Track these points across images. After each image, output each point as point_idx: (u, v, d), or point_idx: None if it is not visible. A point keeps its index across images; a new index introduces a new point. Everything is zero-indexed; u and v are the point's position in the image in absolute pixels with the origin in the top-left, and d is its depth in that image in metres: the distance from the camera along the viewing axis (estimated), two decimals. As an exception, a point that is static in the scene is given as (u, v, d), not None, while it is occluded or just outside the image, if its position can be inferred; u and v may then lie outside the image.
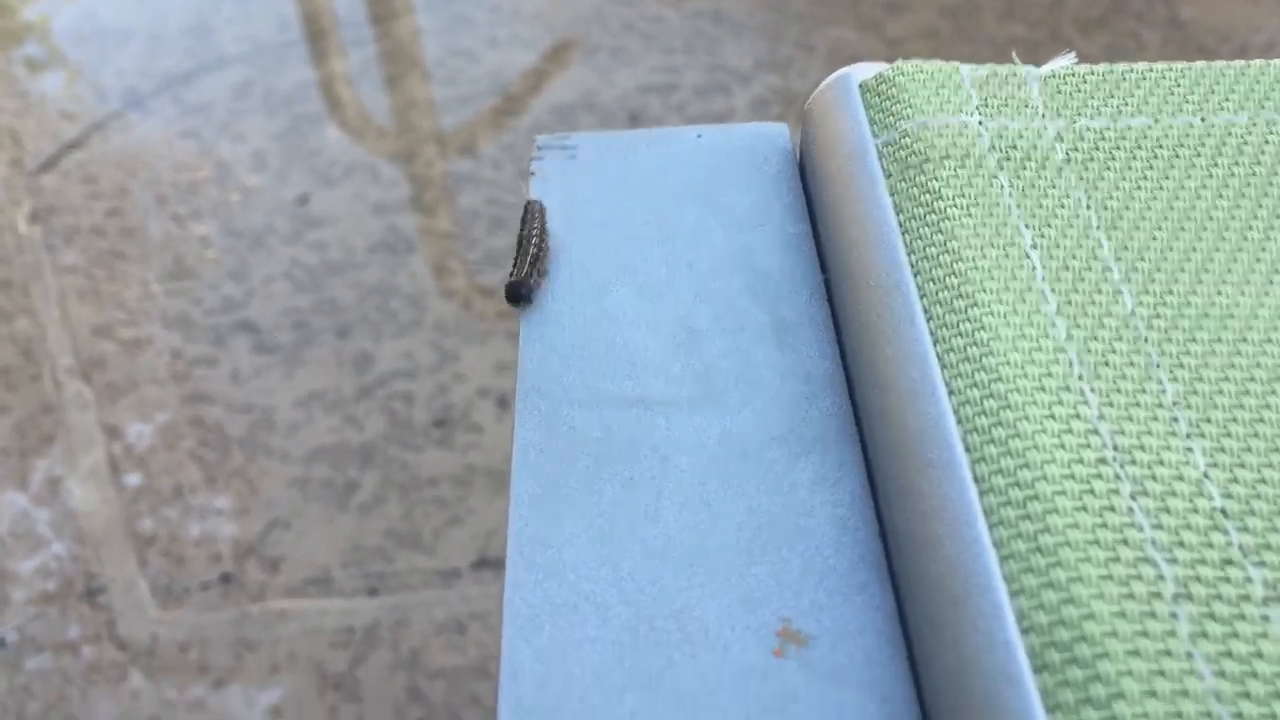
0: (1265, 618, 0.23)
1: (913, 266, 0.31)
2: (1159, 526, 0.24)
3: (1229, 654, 0.22)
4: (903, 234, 0.32)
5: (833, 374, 0.32)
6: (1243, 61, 0.36)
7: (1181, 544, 0.24)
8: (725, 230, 0.37)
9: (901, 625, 0.27)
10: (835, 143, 0.36)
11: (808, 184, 0.38)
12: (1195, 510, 0.25)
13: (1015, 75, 0.36)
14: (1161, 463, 0.26)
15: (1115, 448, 0.26)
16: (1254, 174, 0.33)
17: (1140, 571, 0.24)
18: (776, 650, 0.26)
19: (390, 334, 1.21)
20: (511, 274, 0.35)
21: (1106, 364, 0.28)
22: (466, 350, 1.19)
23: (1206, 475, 0.25)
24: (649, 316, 0.34)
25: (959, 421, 0.27)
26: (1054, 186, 0.32)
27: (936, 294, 0.30)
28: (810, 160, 0.37)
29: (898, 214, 0.33)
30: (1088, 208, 0.32)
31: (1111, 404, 0.27)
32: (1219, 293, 0.30)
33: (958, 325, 0.29)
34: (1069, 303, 0.29)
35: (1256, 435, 0.26)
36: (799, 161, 0.39)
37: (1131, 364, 0.28)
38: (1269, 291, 0.29)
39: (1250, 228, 0.31)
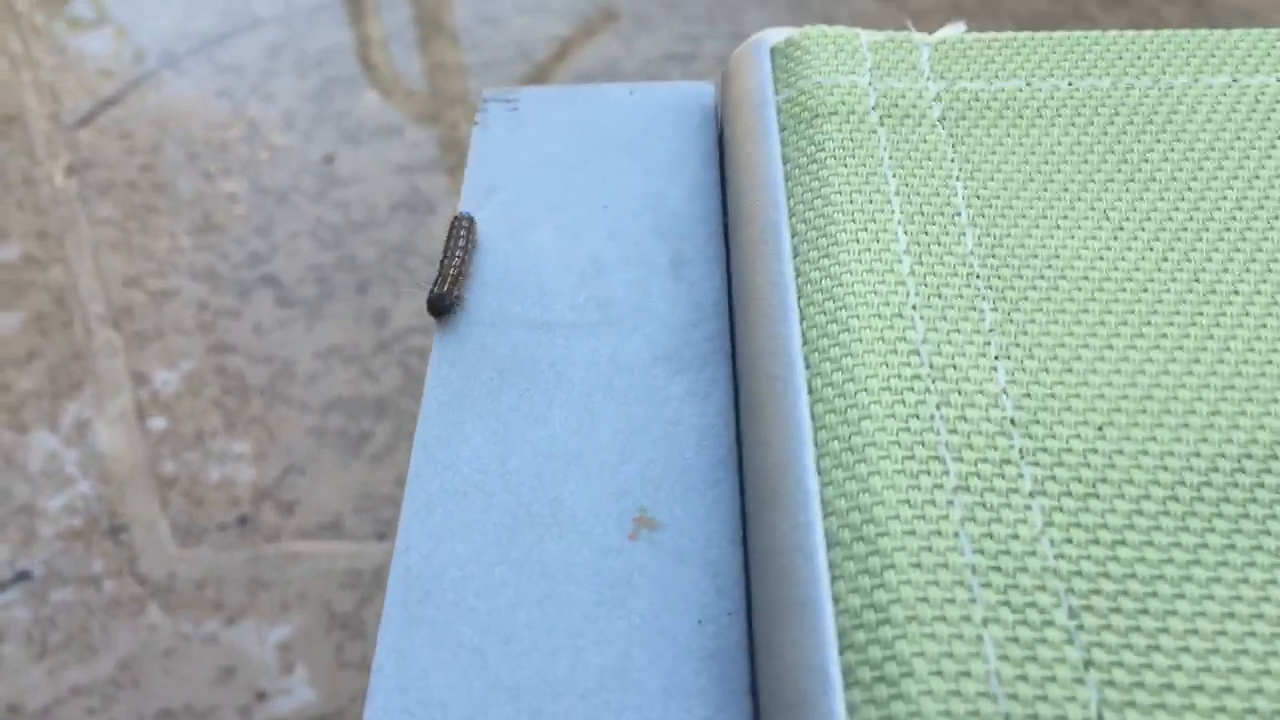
0: (1028, 507, 0.27)
1: (790, 209, 0.35)
2: (954, 431, 0.28)
3: (990, 535, 0.26)
4: (786, 181, 0.36)
5: (718, 304, 0.36)
6: (1114, 31, 0.39)
7: (970, 446, 0.28)
8: (643, 176, 0.41)
9: (742, 519, 0.31)
10: (743, 99, 0.39)
11: (722, 138, 0.42)
12: (988, 419, 0.29)
13: (909, 41, 0.40)
14: (968, 379, 0.29)
15: (931, 366, 0.30)
16: (1105, 133, 0.36)
17: (930, 468, 0.27)
18: (631, 534, 0.31)
19: (409, 291, 1.26)
20: (433, 288, 0.37)
21: (939, 295, 0.32)
22: (478, 307, 1.22)
23: (1005, 391, 0.29)
24: (563, 251, 0.38)
25: (805, 342, 0.31)
26: (925, 140, 0.36)
27: (805, 233, 0.34)
28: (724, 115, 0.41)
29: (785, 163, 0.36)
30: (951, 160, 0.36)
31: (936, 329, 0.31)
32: (1051, 237, 0.33)
33: (817, 260, 0.33)
34: (917, 242, 0.33)
35: (1055, 359, 0.30)
36: (718, 118, 0.43)
37: (961, 296, 0.32)
38: (1095, 236, 0.33)
39: (1092, 180, 0.35)
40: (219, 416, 1.15)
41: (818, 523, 0.27)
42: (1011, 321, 0.31)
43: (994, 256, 0.33)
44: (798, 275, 0.33)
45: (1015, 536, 0.26)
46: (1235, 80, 0.38)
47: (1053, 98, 0.38)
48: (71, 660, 0.96)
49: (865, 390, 0.29)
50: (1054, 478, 0.27)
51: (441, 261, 0.38)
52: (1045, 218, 0.34)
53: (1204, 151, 0.36)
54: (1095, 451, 0.28)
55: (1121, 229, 0.33)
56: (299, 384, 1.17)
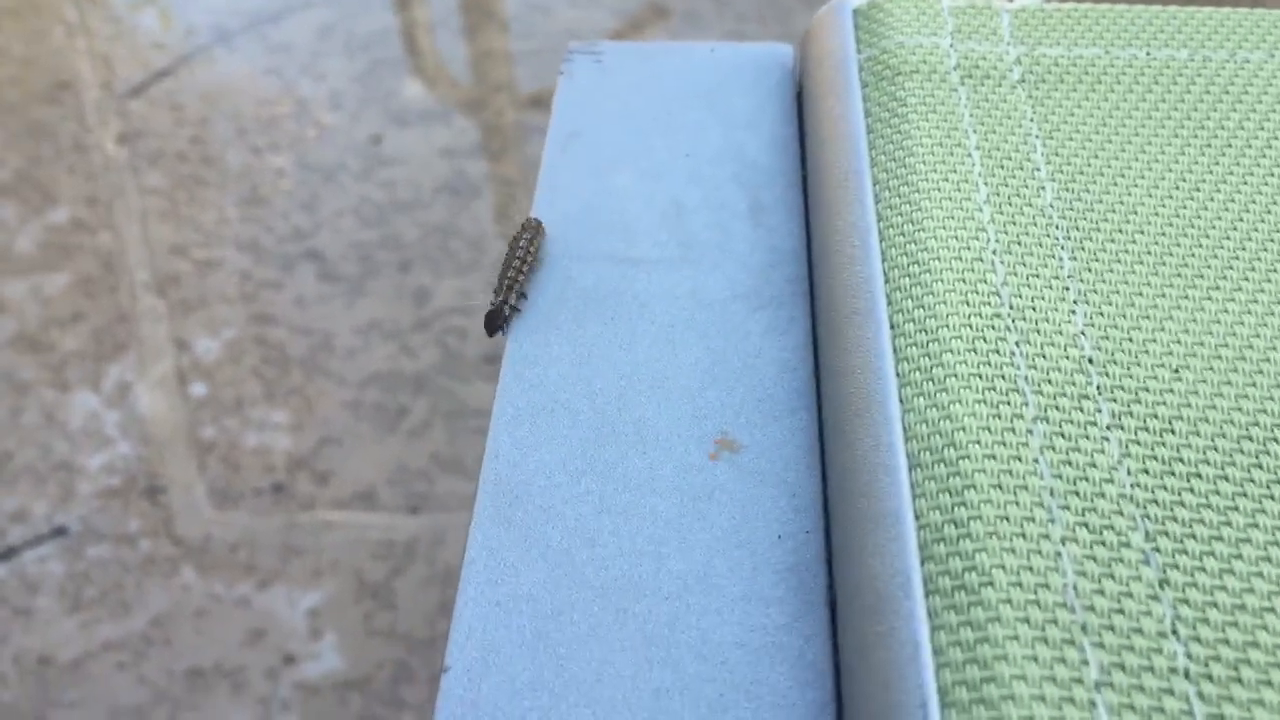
0: (1105, 439, 0.28)
1: (871, 159, 0.36)
2: (1033, 367, 0.29)
3: (1068, 462, 0.27)
4: (868, 134, 0.37)
5: (796, 250, 0.37)
6: (1192, 6, 0.40)
7: (1049, 381, 0.29)
8: (723, 128, 0.42)
9: (820, 446, 0.32)
10: (825, 57, 0.41)
11: (801, 95, 0.43)
12: (1067, 357, 0.29)
13: (990, 8, 0.41)
14: (1047, 320, 0.30)
15: (1011, 307, 0.31)
16: (1183, 101, 0.37)
17: (1009, 399, 0.28)
18: (713, 454, 0.32)
19: (449, 272, 1.27)
20: (493, 300, 0.36)
21: (1019, 243, 0.33)
22: (519, 289, 1.23)
23: (1083, 332, 0.30)
24: (646, 193, 0.39)
25: (886, 280, 0.32)
26: (1005, 100, 0.37)
27: (887, 181, 0.35)
28: (804, 73, 0.42)
29: (866, 118, 0.37)
30: (1031, 119, 0.37)
31: (1015, 274, 0.32)
32: (1128, 194, 0.34)
33: (899, 206, 0.34)
34: (997, 193, 0.34)
35: (1132, 305, 0.31)
36: (798, 77, 0.44)
37: (1040, 244, 0.33)
38: (1172, 195, 0.34)
39: (1169, 145, 0.36)
40: (258, 385, 1.16)
41: (900, 443, 0.28)
42: (1090, 269, 0.32)
43: (1072, 209, 0.34)
44: (879, 220, 0.34)
45: (1093, 465, 0.27)
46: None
47: (1131, 65, 0.39)
48: (104, 615, 0.97)
49: (946, 326, 0.30)
50: (1130, 413, 0.28)
51: (502, 271, 0.37)
52: (1123, 176, 0.35)
53: (1279, 122, 0.37)
54: (1171, 391, 0.29)
55: (1198, 189, 0.34)
56: (338, 357, 1.18)
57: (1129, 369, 0.29)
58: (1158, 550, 0.26)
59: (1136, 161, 0.35)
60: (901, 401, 0.29)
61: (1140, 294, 0.31)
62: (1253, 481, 0.27)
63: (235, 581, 1.00)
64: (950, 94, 0.37)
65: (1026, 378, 0.29)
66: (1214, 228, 0.33)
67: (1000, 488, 0.26)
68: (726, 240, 0.38)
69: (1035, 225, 0.33)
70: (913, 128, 0.36)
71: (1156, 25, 0.40)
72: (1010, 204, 0.34)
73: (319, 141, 1.44)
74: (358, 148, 1.42)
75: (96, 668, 0.93)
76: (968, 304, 0.31)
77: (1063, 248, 0.33)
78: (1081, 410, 0.28)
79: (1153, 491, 0.27)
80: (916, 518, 0.27)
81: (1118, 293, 0.31)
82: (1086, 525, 0.26)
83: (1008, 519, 0.26)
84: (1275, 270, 0.32)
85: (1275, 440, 0.28)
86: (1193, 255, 0.33)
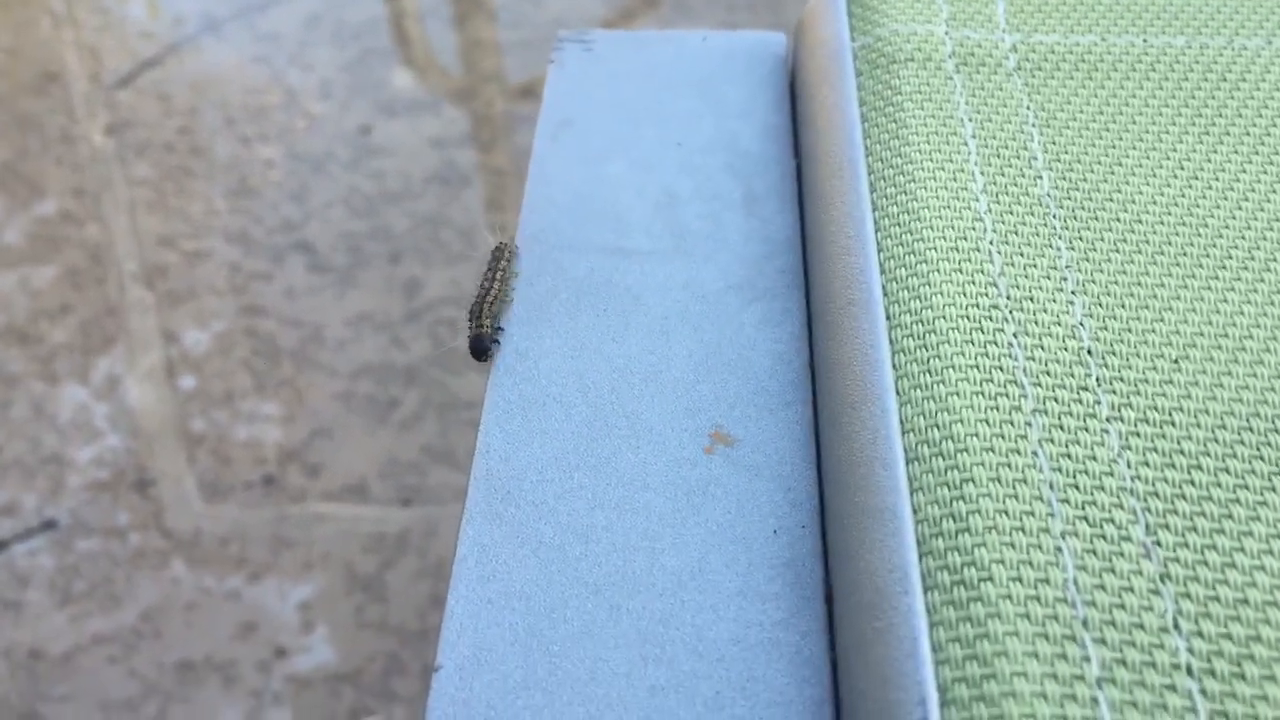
0: (1105, 431, 0.27)
1: (866, 149, 0.35)
2: (1032, 358, 0.29)
3: (1067, 455, 0.27)
4: (862, 123, 0.36)
5: (790, 239, 0.37)
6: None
7: (1047, 372, 0.29)
8: (715, 117, 0.41)
9: (816, 439, 0.32)
10: (819, 45, 0.40)
11: (794, 84, 0.42)
12: (1065, 348, 0.29)
13: (985, -4, 0.40)
14: (1045, 311, 0.30)
15: (1008, 297, 0.30)
16: (1180, 89, 0.37)
17: (1007, 390, 0.28)
18: (707, 448, 0.31)
19: (440, 262, 1.26)
20: (470, 328, 0.36)
21: (1016, 232, 0.32)
22: (510, 280, 1.23)
23: (1081, 323, 0.30)
24: (637, 183, 0.39)
25: (882, 271, 0.32)
26: (1001, 89, 0.37)
27: (882, 170, 0.34)
28: (798, 61, 0.42)
29: (861, 106, 0.37)
30: (1027, 108, 0.36)
31: (1012, 264, 0.31)
32: (1126, 183, 0.34)
33: (895, 196, 0.33)
34: (994, 182, 0.34)
35: (1131, 295, 0.31)
36: (791, 65, 0.44)
37: (1037, 233, 0.32)
38: (1170, 184, 0.34)
39: (1167, 133, 0.36)
40: (248, 377, 1.15)
41: (896, 436, 0.28)
42: (1088, 259, 0.32)
43: (1070, 199, 0.33)
44: (874, 209, 0.33)
45: (1093, 457, 0.27)
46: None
47: (1128, 53, 0.38)
48: (94, 609, 0.97)
49: (943, 317, 0.30)
50: (1130, 405, 0.28)
51: (477, 296, 0.36)
52: (1121, 165, 0.34)
53: (1277, 109, 0.36)
54: (1171, 382, 0.29)
55: (1196, 178, 0.34)
56: (328, 349, 1.18)
57: (1128, 360, 0.29)
58: (1159, 544, 0.25)
59: (1134, 149, 0.35)
60: (898, 394, 0.29)
61: (1139, 283, 0.31)
62: (1254, 474, 0.27)
63: (226, 574, 1.00)
64: (946, 82, 0.37)
65: (1025, 369, 0.29)
66: (1213, 216, 0.33)
67: (999, 481, 0.26)
68: (719, 231, 0.38)
69: (1032, 214, 0.33)
70: (908, 116, 0.36)
71: (1153, 12, 0.40)
72: (1007, 193, 0.33)
73: (308, 132, 1.43)
74: (347, 138, 1.42)
75: (87, 661, 0.93)
76: (964, 294, 0.30)
77: (1060, 237, 0.32)
78: (1081, 402, 0.28)
79: (1153, 484, 0.26)
80: (914, 512, 0.26)
81: (1116, 282, 0.31)
82: (1086, 519, 0.26)
83: (1007, 513, 0.26)
84: (1275, 259, 0.32)
85: (1277, 431, 0.28)
86: (1191, 244, 0.32)
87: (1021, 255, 0.32)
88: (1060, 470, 0.26)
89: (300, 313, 1.21)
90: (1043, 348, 0.29)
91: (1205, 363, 0.29)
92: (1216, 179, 0.34)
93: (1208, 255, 0.32)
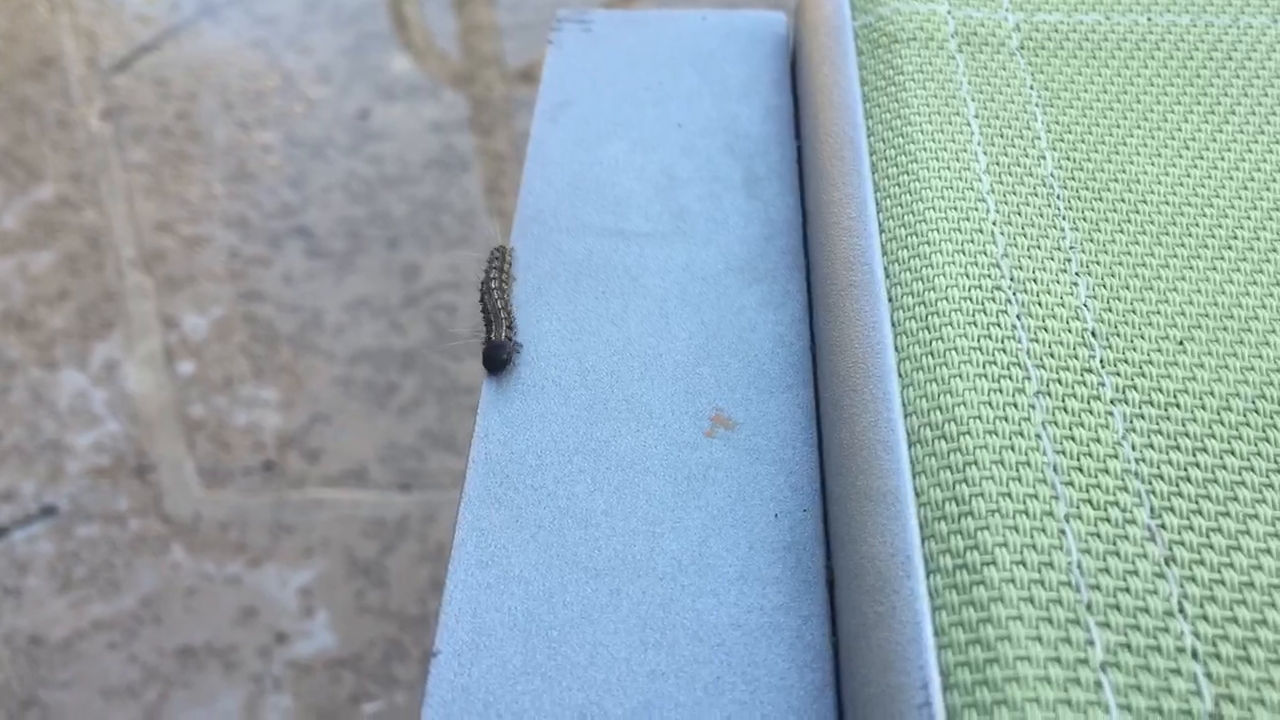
0: (1109, 414, 0.27)
1: (868, 129, 0.35)
2: (1035, 340, 0.28)
3: (1071, 438, 0.27)
4: (864, 102, 0.36)
5: (791, 220, 0.37)
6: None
7: (1051, 355, 0.28)
8: (715, 98, 0.41)
9: (817, 422, 0.31)
10: (820, 24, 0.40)
11: (795, 64, 0.42)
12: (1069, 330, 0.29)
13: (987, -25, 0.40)
14: (1049, 292, 0.30)
15: (1011, 279, 0.30)
16: (1185, 68, 0.37)
17: (1011, 373, 0.28)
18: (708, 431, 0.31)
19: (439, 247, 1.26)
20: (486, 338, 0.34)
21: (1019, 213, 0.32)
22: (510, 264, 1.23)
23: (1085, 304, 0.30)
24: (637, 164, 0.39)
25: (884, 253, 0.31)
26: (1004, 68, 0.36)
27: (884, 151, 0.34)
28: (799, 41, 0.41)
29: (862, 86, 0.37)
30: (1030, 87, 0.36)
31: (1016, 245, 0.31)
32: (1131, 163, 0.34)
33: (896, 176, 0.33)
34: (997, 163, 0.33)
35: (1136, 276, 0.30)
36: (791, 46, 0.43)
37: (1041, 214, 0.32)
38: (1175, 164, 0.33)
39: (1171, 112, 0.35)
40: (247, 363, 1.15)
41: (899, 419, 0.27)
42: (1092, 240, 0.31)
43: (1074, 179, 0.33)
44: (876, 190, 0.33)
45: (1097, 440, 0.26)
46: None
47: (1132, 31, 0.38)
48: (94, 595, 0.96)
49: (946, 299, 0.29)
50: (1135, 387, 0.28)
51: (481, 302, 0.35)
52: (1125, 145, 0.34)
53: (1283, 89, 0.36)
54: (1176, 364, 0.28)
55: (1201, 158, 0.34)
56: (327, 334, 1.17)
57: (1133, 342, 0.29)
58: (1163, 527, 0.25)
59: (1138, 129, 0.35)
60: (900, 376, 0.28)
61: (1144, 265, 0.31)
62: (1260, 455, 0.26)
63: (226, 560, 1.00)
64: (948, 61, 0.37)
65: (1028, 351, 0.28)
66: (1218, 197, 0.33)
67: (1003, 464, 0.26)
68: (720, 212, 0.37)
69: (1036, 195, 0.32)
70: (910, 96, 0.35)
71: (1157, -10, 0.39)
72: (1010, 174, 0.33)
73: (306, 116, 1.43)
74: (345, 122, 1.41)
75: (87, 647, 0.93)
76: (967, 276, 0.30)
77: (1064, 218, 0.32)
78: (1085, 384, 0.28)
79: (1158, 466, 0.26)
80: (917, 495, 0.26)
81: (1121, 264, 0.31)
82: (1091, 501, 0.25)
83: (1010, 496, 0.25)
84: None
85: (1282, 414, 0.27)
86: (1196, 225, 0.32)
87: (1025, 236, 0.31)
88: (1064, 453, 0.26)
89: (299, 298, 1.21)
90: (1046, 330, 0.29)
91: (1210, 344, 0.29)
92: (1221, 159, 0.34)
93: (1213, 236, 0.31)
